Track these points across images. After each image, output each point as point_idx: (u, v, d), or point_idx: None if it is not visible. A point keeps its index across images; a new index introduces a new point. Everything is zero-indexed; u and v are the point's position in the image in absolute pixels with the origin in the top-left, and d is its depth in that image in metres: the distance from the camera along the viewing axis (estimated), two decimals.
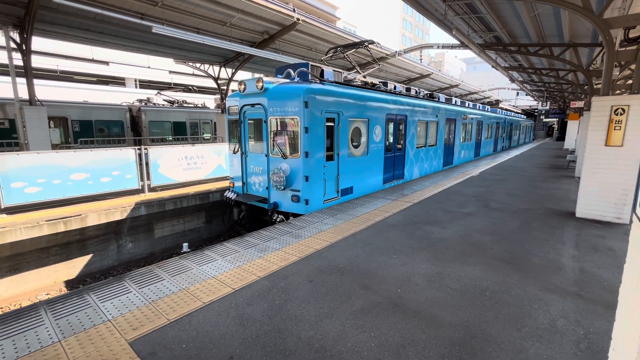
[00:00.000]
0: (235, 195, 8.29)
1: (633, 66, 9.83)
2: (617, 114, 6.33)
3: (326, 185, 7.49)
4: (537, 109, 40.42)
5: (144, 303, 3.66)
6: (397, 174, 10.60)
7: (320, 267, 4.54)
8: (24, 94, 10.49)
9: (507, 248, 5.29)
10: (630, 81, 12.92)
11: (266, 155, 7.48)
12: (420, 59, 36.57)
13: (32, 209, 7.48)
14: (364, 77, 9.76)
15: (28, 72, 10.24)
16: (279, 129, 7.23)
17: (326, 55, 10.01)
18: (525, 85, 25.15)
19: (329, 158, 7.53)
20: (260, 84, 7.04)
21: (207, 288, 3.98)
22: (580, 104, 18.14)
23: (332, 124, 7.45)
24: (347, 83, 8.49)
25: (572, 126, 26.41)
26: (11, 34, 10.01)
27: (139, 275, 4.36)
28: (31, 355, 2.83)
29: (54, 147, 12.58)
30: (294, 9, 12.18)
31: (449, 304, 3.63)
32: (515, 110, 36.78)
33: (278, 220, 7.41)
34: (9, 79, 10.83)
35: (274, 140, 7.31)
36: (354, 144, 8.32)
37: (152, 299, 3.75)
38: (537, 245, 5.41)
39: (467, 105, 17.25)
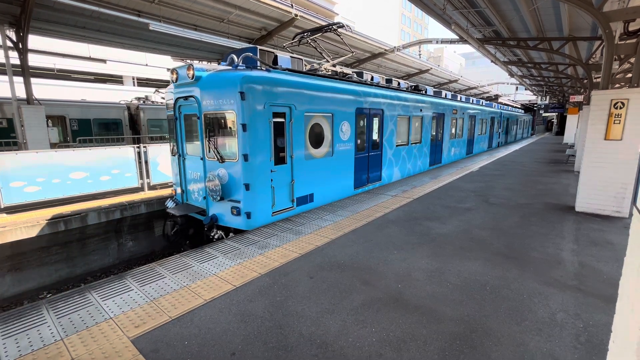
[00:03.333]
0: (175, 204, 7.05)
1: (633, 60, 9.80)
2: (616, 108, 6.32)
3: (275, 193, 6.23)
4: (536, 103, 40.34)
5: (145, 301, 3.67)
6: (373, 176, 9.46)
7: (321, 264, 4.55)
8: (21, 93, 10.44)
9: (507, 243, 5.30)
10: (629, 75, 12.89)
11: (201, 159, 6.28)
12: (420, 54, 36.45)
13: (32, 208, 7.48)
14: (334, 65, 8.60)
15: (25, 71, 10.19)
16: (213, 126, 6.08)
17: (294, 39, 8.58)
18: (524, 79, 25.09)
19: (279, 161, 6.30)
20: (191, 72, 5.85)
21: (208, 285, 3.99)
22: (579, 98, 18.12)
23: (281, 119, 6.23)
24: (310, 72, 7.22)
25: (571, 120, 26.39)
26: (7, 32, 9.94)
27: (140, 273, 4.37)
28: (34, 353, 2.85)
29: (53, 146, 12.54)
30: (292, 5, 12.10)
31: (449, 298, 3.65)
32: (513, 105, 36.58)
33: (216, 237, 6.23)
34: (6, 77, 10.77)
35: (209, 141, 6.08)
36: (313, 143, 7.08)
37: (154, 296, 3.76)
38: (537, 240, 5.43)
39: (459, 98, 16.14)
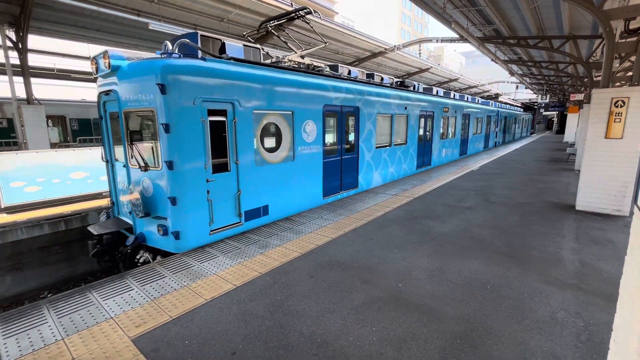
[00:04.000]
0: (106, 218, 6.09)
1: (633, 58, 9.78)
2: (617, 106, 6.31)
3: (214, 208, 5.18)
4: (536, 102, 40.30)
5: (146, 300, 3.67)
6: (348, 182, 8.40)
7: (321, 263, 4.55)
8: (21, 93, 10.44)
9: (507, 241, 5.30)
10: (630, 73, 12.87)
11: (124, 166, 5.39)
12: (420, 53, 36.40)
13: (32, 208, 7.48)
14: (302, 57, 7.63)
15: (25, 71, 10.19)
16: (135, 126, 5.17)
17: (259, 28, 7.59)
18: (524, 78, 25.07)
19: (220, 168, 5.27)
20: (107, 60, 4.87)
21: (208, 285, 3.99)
22: (580, 96, 18.09)
23: (222, 118, 5.21)
24: (263, 64, 6.12)
25: (571, 119, 26.37)
26: (7, 32, 9.94)
27: (140, 272, 4.37)
28: (35, 353, 2.85)
29: (53, 145, 12.56)
30: (291, 4, 12.08)
31: (450, 297, 3.65)
32: (511, 103, 36.35)
33: (141, 260, 5.28)
34: (6, 77, 10.77)
35: (130, 144, 5.15)
36: (267, 146, 6.07)
37: (154, 296, 3.76)
38: (537, 239, 5.42)
39: (452, 96, 15.31)
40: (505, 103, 32.61)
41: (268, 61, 7.07)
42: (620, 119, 6.31)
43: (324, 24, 13.73)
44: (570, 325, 3.15)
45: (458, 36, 11.56)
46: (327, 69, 8.14)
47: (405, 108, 10.41)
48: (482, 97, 32.20)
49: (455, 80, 29.64)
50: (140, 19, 10.08)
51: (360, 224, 6.18)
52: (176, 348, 2.89)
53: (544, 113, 45.51)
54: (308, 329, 3.13)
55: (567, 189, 9.22)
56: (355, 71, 9.25)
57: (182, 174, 4.76)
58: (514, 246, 5.11)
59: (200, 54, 5.20)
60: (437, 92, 13.81)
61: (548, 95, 31.69)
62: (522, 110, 36.45)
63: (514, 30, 11.91)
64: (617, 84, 12.58)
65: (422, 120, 11.86)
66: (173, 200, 4.74)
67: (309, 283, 4.00)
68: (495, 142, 23.53)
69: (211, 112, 5.05)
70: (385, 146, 9.79)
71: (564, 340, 2.94)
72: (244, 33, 8.04)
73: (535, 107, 42.96)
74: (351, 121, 8.26)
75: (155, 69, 4.54)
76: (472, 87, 34.51)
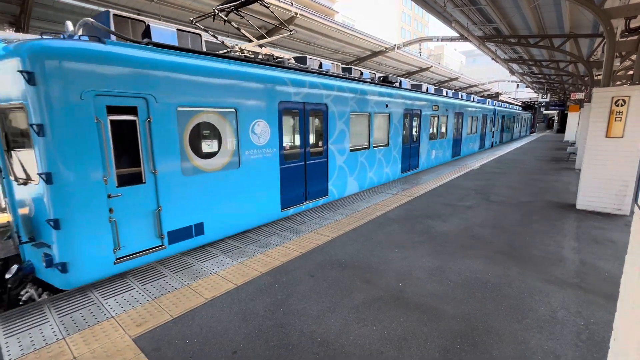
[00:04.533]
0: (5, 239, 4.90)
1: (634, 57, 9.77)
2: (617, 105, 6.30)
3: (120, 230, 4.11)
4: (537, 101, 40.28)
5: (147, 300, 3.68)
6: (315, 190, 7.27)
7: (322, 262, 4.55)
8: None
9: (508, 241, 5.30)
10: (631, 72, 12.85)
11: (4, 178, 4.42)
12: (420, 52, 36.36)
13: None
14: (261, 47, 6.81)
15: None
16: (11, 127, 4.19)
17: (213, 13, 6.57)
18: (525, 77, 25.05)
19: (130, 180, 4.21)
20: None
21: (209, 284, 4.00)
22: (580, 95, 18.08)
23: (130, 117, 4.16)
24: (194, 51, 4.99)
25: (572, 118, 26.34)
26: (7, 32, 9.94)
27: (141, 272, 4.38)
28: (36, 352, 2.86)
29: None
30: (291, 3, 12.08)
31: (450, 296, 3.65)
32: (510, 101, 36.19)
33: (24, 297, 4.23)
34: None
35: (7, 150, 4.26)
36: (200, 151, 4.97)
37: (155, 295, 3.77)
38: (538, 238, 5.42)
39: (445, 93, 14.64)
40: (504, 101, 32.50)
41: (223, 51, 6.20)
42: (621, 118, 6.30)
43: (324, 23, 13.73)
44: (570, 324, 3.15)
45: (458, 35, 11.55)
46: (293, 62, 7.17)
47: (387, 106, 9.36)
48: (482, 96, 32.12)
49: (456, 79, 29.62)
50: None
51: (361, 223, 6.18)
52: (177, 347, 2.90)
53: (545, 112, 45.46)
54: (309, 328, 3.14)
55: (567, 188, 9.21)
56: (328, 64, 8.29)
57: (66, 190, 3.68)
58: (515, 245, 5.11)
59: (114, 38, 4.36)
60: (427, 89, 13.00)
61: (548, 94, 31.68)
62: (521, 109, 36.22)
63: (515, 29, 11.90)
64: (618, 82, 12.57)
65: (408, 119, 10.82)
66: (56, 223, 3.66)
67: (309, 282, 4.00)
68: (492, 143, 22.64)
69: (113, 110, 3.98)
70: (363, 148, 8.72)
71: (564, 339, 2.94)
72: (191, 18, 6.97)
73: (536, 106, 42.93)
74: (318, 121, 7.23)
75: (21, 52, 3.51)
76: (472, 86, 34.49)
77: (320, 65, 8.04)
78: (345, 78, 8.03)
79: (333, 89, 7.31)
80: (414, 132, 11.36)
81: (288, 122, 6.58)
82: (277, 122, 6.09)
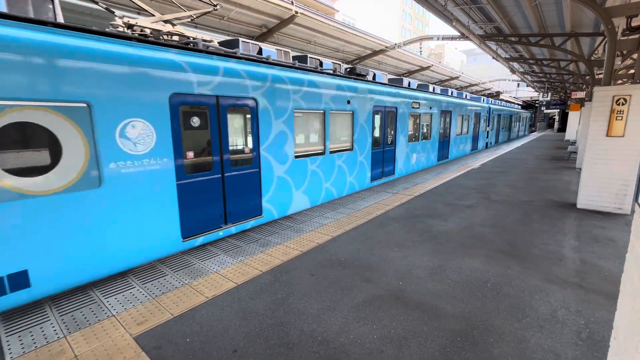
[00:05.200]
0: None
1: (635, 55, 9.75)
2: (618, 104, 6.29)
3: None
4: (538, 100, 40.23)
5: (147, 298, 3.68)
6: (240, 210, 5.64)
7: (322, 261, 4.56)
8: None
9: (508, 240, 5.30)
10: (632, 71, 12.83)
11: None
12: (420, 51, 36.31)
13: None
14: (169, 23, 5.31)
15: None
16: None
17: None
18: (526, 76, 25.00)
19: None
20: None
21: (210, 283, 4.00)
22: (581, 94, 18.06)
23: None
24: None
25: (573, 117, 26.29)
26: None
27: (141, 270, 4.38)
28: (37, 351, 2.86)
29: None
30: (292, 2, 12.06)
31: (451, 295, 3.65)
32: (508, 100, 35.88)
33: None
34: None
35: None
36: (17, 166, 3.38)
37: (156, 294, 3.78)
38: (538, 237, 5.42)
39: (432, 89, 13.53)
40: (503, 100, 32.33)
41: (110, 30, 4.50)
42: (622, 117, 6.29)
43: (325, 22, 13.71)
44: (570, 323, 3.16)
45: (459, 34, 11.53)
46: (215, 43, 5.78)
47: (349, 102, 7.82)
48: (483, 95, 32.06)
49: (456, 78, 29.57)
50: (140, 17, 10.04)
51: (361, 223, 6.18)
52: (178, 346, 2.91)
53: (545, 111, 45.40)
54: (309, 326, 3.14)
55: (568, 187, 9.21)
56: (271, 50, 6.92)
57: None
58: (515, 244, 5.11)
59: None
60: (409, 84, 11.79)
61: (549, 93, 31.63)
62: (519, 107, 35.75)
63: (515, 28, 11.88)
64: (619, 81, 12.54)
65: (380, 118, 9.32)
66: None
67: (309, 281, 4.01)
68: (487, 143, 21.21)
69: None
70: (315, 154, 7.08)
71: (564, 338, 2.94)
72: None
73: (537, 105, 42.87)
74: (242, 120, 5.71)
75: None
76: (473, 85, 34.44)
77: (260, 51, 6.47)
78: (288, 67, 6.34)
79: (265, 80, 5.68)
80: (388, 134, 9.84)
81: (190, 121, 4.88)
82: (169, 123, 4.47)
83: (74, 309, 3.50)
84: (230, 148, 5.42)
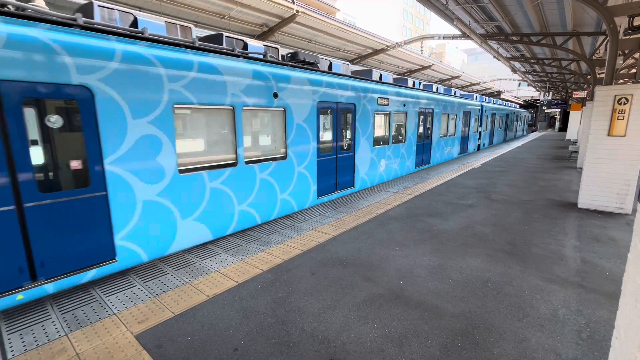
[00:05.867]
0: None
1: (637, 55, 9.73)
2: (620, 104, 6.27)
3: None
4: (539, 99, 40.17)
5: (148, 297, 3.69)
6: (55, 257, 3.66)
7: (323, 260, 4.56)
8: None
9: (509, 239, 5.30)
10: (634, 70, 12.80)
11: None
12: (421, 51, 36.24)
13: None
14: None
15: None
16: None
17: None
18: (527, 75, 24.95)
19: None
20: None
21: (210, 282, 4.01)
22: (582, 94, 18.01)
23: None
24: None
25: (574, 117, 26.23)
26: None
27: (142, 269, 4.39)
28: (38, 349, 2.87)
29: None
30: (293, 1, 12.05)
31: (451, 295, 3.65)
32: (507, 99, 35.47)
33: None
34: None
35: None
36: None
37: (157, 292, 3.78)
38: (539, 236, 5.42)
39: (410, 84, 11.81)
40: (502, 99, 32.16)
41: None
42: (624, 116, 6.28)
43: (326, 21, 13.68)
44: (571, 322, 3.15)
45: (460, 33, 11.51)
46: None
47: (276, 96, 5.99)
48: (483, 94, 31.99)
49: (457, 77, 29.51)
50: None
51: (362, 222, 6.18)
52: (179, 344, 2.91)
53: (547, 110, 45.32)
54: (310, 325, 3.15)
55: (569, 186, 9.19)
56: (148, 22, 5.19)
57: None
58: (516, 244, 5.11)
59: None
60: (380, 77, 10.17)
61: (551, 93, 31.56)
62: (517, 106, 34.97)
63: (517, 27, 11.85)
64: (621, 81, 12.51)
65: (331, 117, 7.53)
66: None
67: (310, 280, 4.01)
68: (479, 145, 19.29)
69: None
70: (220, 166, 5.26)
71: (565, 337, 2.94)
72: None
73: (538, 104, 42.81)
74: (61, 119, 3.68)
75: None
76: (474, 84, 34.37)
77: (89, 12, 4.50)
78: (154, 41, 4.45)
79: (109, 57, 3.90)
80: (344, 136, 8.05)
81: None
82: None
83: (76, 307, 3.51)
84: (39, 163, 3.56)
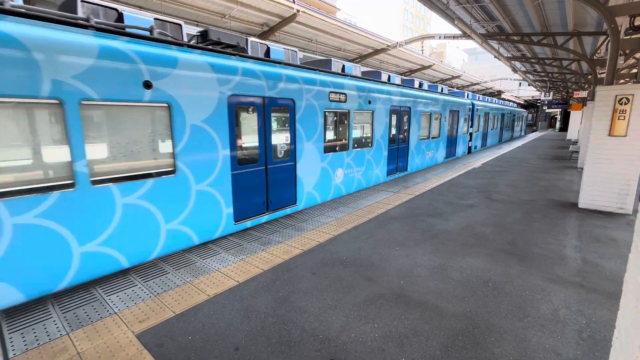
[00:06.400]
0: None
1: (638, 55, 9.72)
2: (621, 104, 6.27)
3: None
4: (539, 99, 40.12)
5: (149, 296, 3.70)
6: None
7: (323, 260, 4.56)
8: None
9: (509, 239, 5.30)
10: (634, 70, 12.79)
11: None
12: (422, 50, 36.21)
13: None
14: None
15: None
16: None
17: None
18: (528, 75, 24.92)
19: None
20: None
21: (211, 281, 4.01)
22: (583, 94, 17.99)
23: None
24: None
25: (575, 117, 26.20)
26: None
27: (143, 269, 4.40)
28: (40, 348, 2.88)
29: None
30: (293, 0, 12.04)
31: (452, 294, 3.66)
32: (507, 98, 35.19)
33: None
34: None
35: None
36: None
37: (158, 292, 3.79)
38: (539, 236, 5.42)
39: (384, 78, 10.09)
40: (502, 99, 32.05)
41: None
42: (624, 116, 6.27)
43: (326, 20, 13.68)
44: (572, 322, 3.16)
45: (461, 33, 11.50)
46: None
47: (150, 86, 4.21)
48: (484, 94, 31.94)
49: (458, 77, 29.49)
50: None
51: (362, 221, 6.18)
52: (180, 343, 2.92)
53: (547, 110, 45.25)
54: (310, 325, 3.15)
55: (569, 186, 9.19)
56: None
57: None
58: (516, 244, 5.11)
59: None
60: (343, 68, 8.61)
61: (551, 93, 31.51)
62: (515, 105, 34.31)
63: (518, 27, 11.83)
64: (622, 81, 12.50)
65: (252, 115, 5.82)
66: None
67: (311, 280, 4.02)
68: (470, 147, 17.71)
69: None
70: (32, 190, 3.41)
71: (565, 337, 2.94)
72: None
73: (538, 104, 42.76)
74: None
75: None
76: (474, 84, 34.34)
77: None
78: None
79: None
80: (282, 142, 6.46)
81: None
82: None
83: (77, 306, 3.52)
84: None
